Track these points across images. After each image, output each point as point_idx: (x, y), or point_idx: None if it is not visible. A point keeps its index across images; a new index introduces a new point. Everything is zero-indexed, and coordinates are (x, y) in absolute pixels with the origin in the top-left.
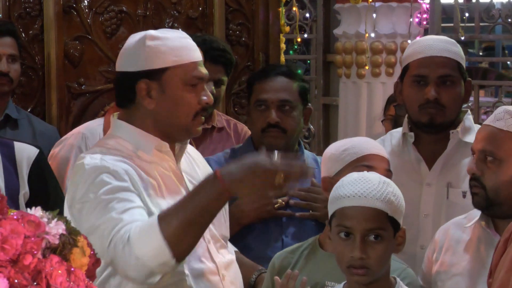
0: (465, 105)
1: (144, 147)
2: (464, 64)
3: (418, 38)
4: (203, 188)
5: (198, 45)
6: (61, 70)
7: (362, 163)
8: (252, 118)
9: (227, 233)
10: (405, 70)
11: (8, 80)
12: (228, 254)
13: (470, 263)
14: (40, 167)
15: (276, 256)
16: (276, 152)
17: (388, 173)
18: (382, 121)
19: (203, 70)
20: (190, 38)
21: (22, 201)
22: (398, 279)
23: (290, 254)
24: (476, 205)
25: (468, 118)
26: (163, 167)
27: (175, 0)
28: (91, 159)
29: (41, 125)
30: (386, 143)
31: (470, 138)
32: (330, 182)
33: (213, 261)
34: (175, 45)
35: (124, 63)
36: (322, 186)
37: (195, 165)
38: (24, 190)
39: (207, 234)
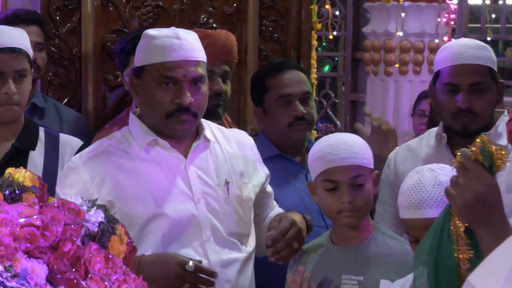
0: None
1: (138, 143)
2: (495, 67)
3: (446, 41)
4: None
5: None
6: (98, 62)
7: (326, 177)
8: (275, 114)
9: (242, 231)
10: (436, 75)
11: (35, 68)
12: (234, 253)
13: None
14: None
15: (294, 257)
16: (191, 262)
17: (354, 180)
18: (411, 115)
19: (180, 71)
20: (183, 38)
21: None
22: None
23: (305, 253)
24: None
25: (504, 120)
26: (158, 162)
27: None
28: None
29: (68, 113)
30: (423, 142)
31: (503, 141)
32: (312, 186)
33: (207, 258)
34: (157, 44)
35: None
36: (310, 190)
37: (222, 160)
38: None
39: (207, 230)
